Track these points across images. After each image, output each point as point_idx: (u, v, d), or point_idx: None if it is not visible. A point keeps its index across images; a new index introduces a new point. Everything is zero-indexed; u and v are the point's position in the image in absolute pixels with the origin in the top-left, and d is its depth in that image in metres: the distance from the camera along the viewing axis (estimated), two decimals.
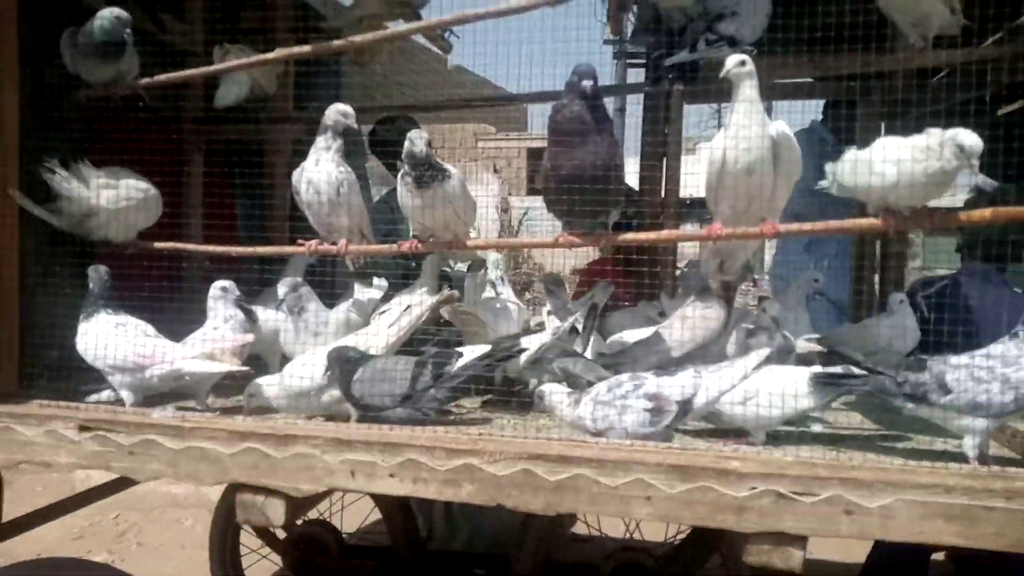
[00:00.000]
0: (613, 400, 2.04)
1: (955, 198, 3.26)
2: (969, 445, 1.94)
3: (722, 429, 2.21)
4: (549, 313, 2.64)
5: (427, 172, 2.29)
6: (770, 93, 3.28)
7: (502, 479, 1.91)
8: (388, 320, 2.51)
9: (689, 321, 2.50)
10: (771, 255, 4.99)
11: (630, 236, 2.71)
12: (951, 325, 2.37)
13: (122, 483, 3.19)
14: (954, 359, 2.00)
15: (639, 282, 3.00)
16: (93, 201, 2.49)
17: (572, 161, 2.18)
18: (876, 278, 3.30)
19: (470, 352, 2.24)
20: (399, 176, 2.40)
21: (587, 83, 2.13)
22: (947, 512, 1.70)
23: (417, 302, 2.56)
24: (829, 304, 3.90)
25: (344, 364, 2.20)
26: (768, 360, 2.11)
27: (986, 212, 2.08)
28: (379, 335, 2.44)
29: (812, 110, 4.05)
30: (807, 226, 2.22)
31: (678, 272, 3.44)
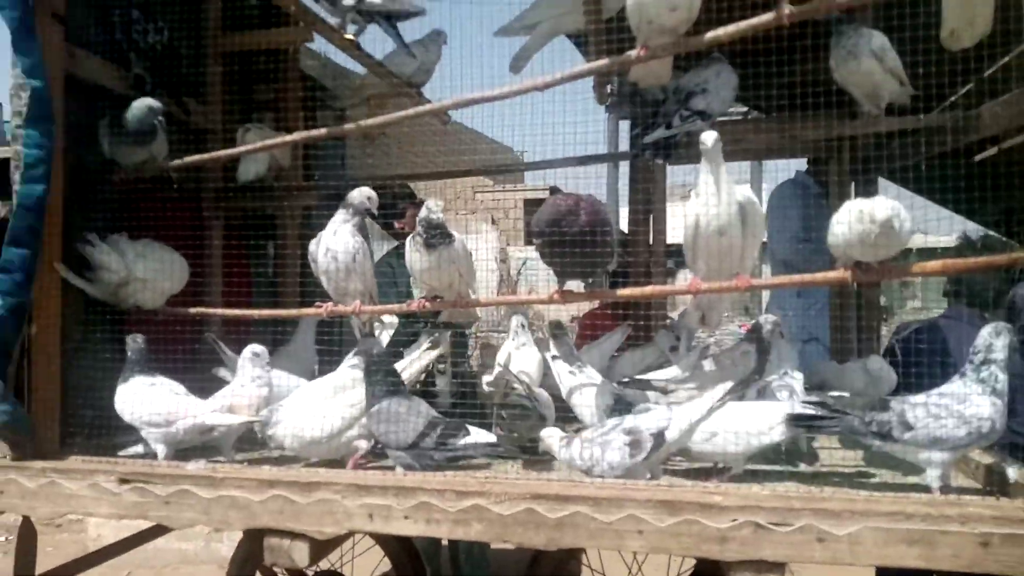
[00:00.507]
0: (597, 438, 2.27)
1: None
2: (932, 477, 2.14)
3: (706, 468, 2.42)
4: (555, 358, 2.82)
5: (437, 235, 2.53)
6: (744, 154, 3.57)
7: (507, 518, 2.10)
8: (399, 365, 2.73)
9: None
10: (767, 300, 5.19)
11: (620, 292, 2.95)
12: (928, 367, 2.59)
13: (136, 540, 3.33)
14: (913, 398, 2.22)
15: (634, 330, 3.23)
16: (128, 272, 2.73)
17: (556, 252, 2.44)
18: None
19: (476, 434, 2.43)
20: (409, 238, 2.64)
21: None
22: (908, 537, 1.89)
23: (418, 356, 2.78)
24: (819, 345, 4.09)
25: (375, 379, 2.42)
26: (735, 393, 2.32)
27: (937, 264, 2.32)
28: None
29: (798, 160, 4.30)
30: (776, 280, 2.46)
31: (668, 321, 3.68)
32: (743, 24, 2.34)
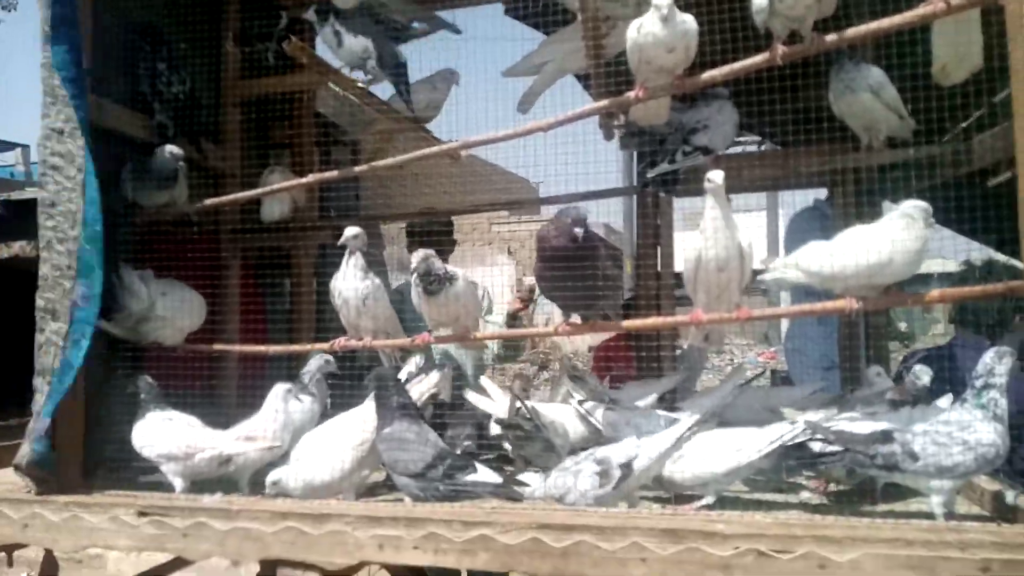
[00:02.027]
0: (571, 467, 2.35)
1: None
2: (937, 503, 2.17)
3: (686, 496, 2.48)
4: (582, 402, 2.84)
5: (434, 282, 2.64)
6: (747, 187, 3.64)
7: (514, 547, 2.14)
8: None
9: None
10: (786, 327, 5.19)
11: (625, 324, 3.01)
12: (936, 394, 2.61)
13: (154, 574, 3.39)
14: (916, 427, 2.24)
15: (640, 360, 3.28)
16: (151, 307, 2.84)
17: (557, 277, 2.51)
18: None
19: (483, 473, 2.48)
20: (412, 280, 2.73)
21: (578, 231, 2.46)
22: (908, 563, 1.91)
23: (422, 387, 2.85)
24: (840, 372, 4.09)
25: (386, 401, 2.51)
26: (705, 422, 2.39)
27: (935, 294, 2.36)
28: None
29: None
30: (778, 310, 2.51)
31: (677, 352, 3.72)
32: (737, 65, 2.42)
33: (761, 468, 2.41)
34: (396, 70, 3.00)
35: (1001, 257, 3.34)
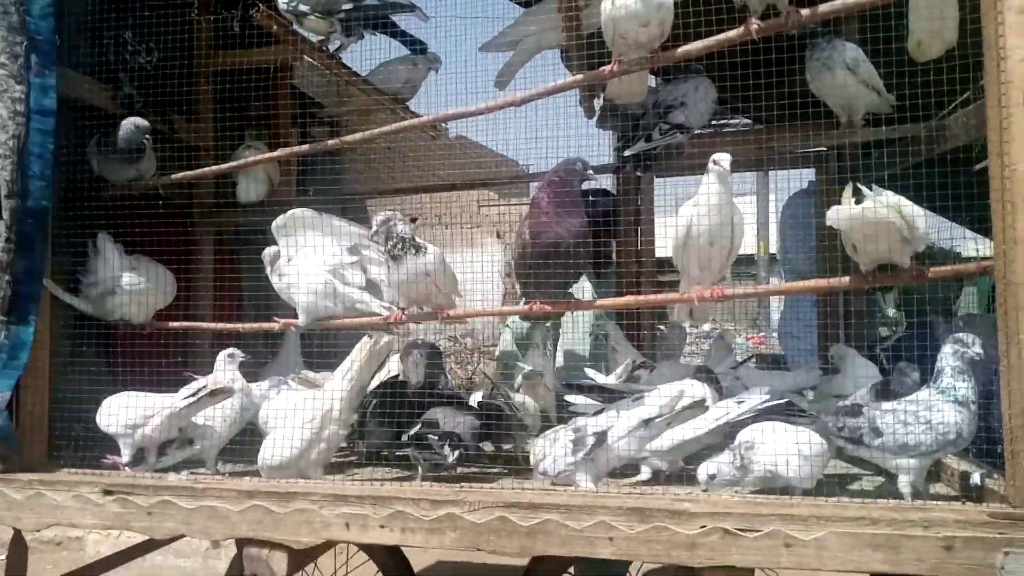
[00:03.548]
0: (550, 435, 2.41)
1: None
2: (904, 483, 2.17)
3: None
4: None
5: (398, 245, 2.51)
6: (734, 166, 3.61)
7: (481, 526, 2.13)
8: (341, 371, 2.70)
9: None
10: (778, 312, 5.17)
11: (607, 302, 2.98)
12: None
13: (129, 554, 3.33)
14: (885, 405, 2.25)
15: None
16: (117, 281, 2.80)
17: (554, 232, 2.49)
18: None
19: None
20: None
21: (591, 173, 2.56)
22: (873, 542, 1.91)
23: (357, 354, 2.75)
24: None
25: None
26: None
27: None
28: (335, 383, 2.66)
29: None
30: (771, 288, 2.48)
31: (658, 332, 3.71)
32: (712, 40, 2.38)
33: (709, 444, 2.44)
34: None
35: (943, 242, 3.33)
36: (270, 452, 2.49)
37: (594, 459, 2.32)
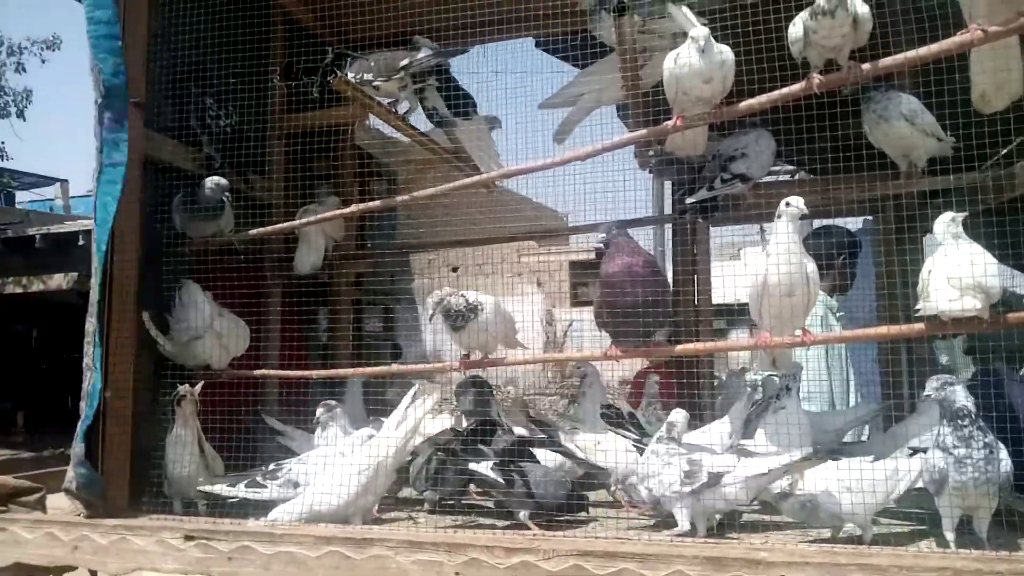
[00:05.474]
0: (664, 454, 2.41)
1: None
2: (947, 527, 2.15)
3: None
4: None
5: (457, 318, 2.71)
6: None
7: (555, 574, 2.14)
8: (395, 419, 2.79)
9: None
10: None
11: (679, 348, 2.99)
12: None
13: None
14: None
15: (679, 389, 3.26)
16: (207, 323, 2.93)
17: (625, 299, 2.54)
18: None
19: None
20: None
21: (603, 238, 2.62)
22: None
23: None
24: None
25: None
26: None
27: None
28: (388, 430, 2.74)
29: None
30: (843, 335, 2.50)
31: (715, 382, 3.70)
32: (775, 93, 2.45)
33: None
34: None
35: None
36: (319, 499, 2.56)
37: (700, 496, 2.33)
